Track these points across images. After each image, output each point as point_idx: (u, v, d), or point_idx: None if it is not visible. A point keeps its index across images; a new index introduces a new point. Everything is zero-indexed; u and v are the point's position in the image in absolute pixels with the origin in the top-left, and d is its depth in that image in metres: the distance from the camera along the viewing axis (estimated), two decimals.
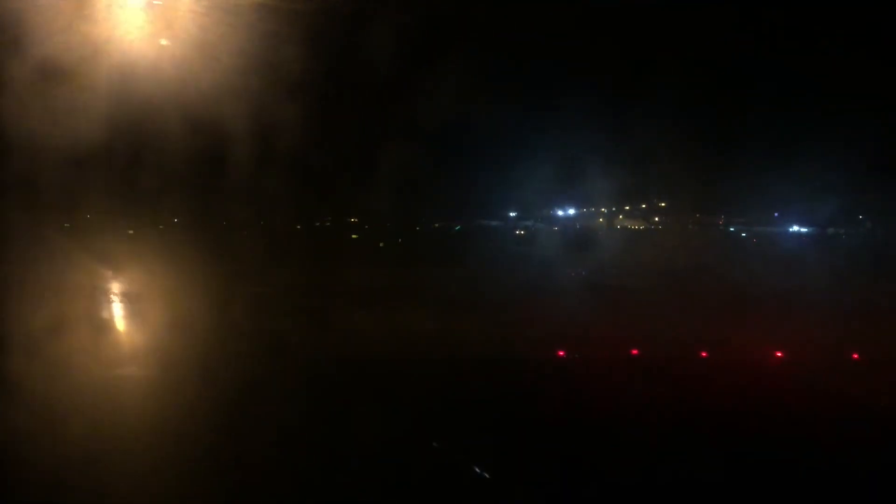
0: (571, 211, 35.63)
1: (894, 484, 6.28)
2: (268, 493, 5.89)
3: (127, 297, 15.10)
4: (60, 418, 6.99)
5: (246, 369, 9.14)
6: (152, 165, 16.54)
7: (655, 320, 13.34)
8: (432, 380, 8.94)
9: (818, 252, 29.03)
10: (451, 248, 32.88)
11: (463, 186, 35.03)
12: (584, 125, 23.42)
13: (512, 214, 37.84)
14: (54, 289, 14.02)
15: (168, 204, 24.46)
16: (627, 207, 36.36)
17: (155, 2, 8.86)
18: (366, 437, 6.62)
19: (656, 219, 35.57)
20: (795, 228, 34.33)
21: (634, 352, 10.70)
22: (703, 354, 10.65)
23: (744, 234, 36.09)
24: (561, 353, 10.73)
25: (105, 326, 12.53)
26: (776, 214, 34.77)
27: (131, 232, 27.47)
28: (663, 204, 34.87)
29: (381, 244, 33.86)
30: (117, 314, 13.78)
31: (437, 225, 39.99)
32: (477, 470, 6.29)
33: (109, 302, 14.81)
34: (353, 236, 36.93)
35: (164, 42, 9.29)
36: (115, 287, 16.41)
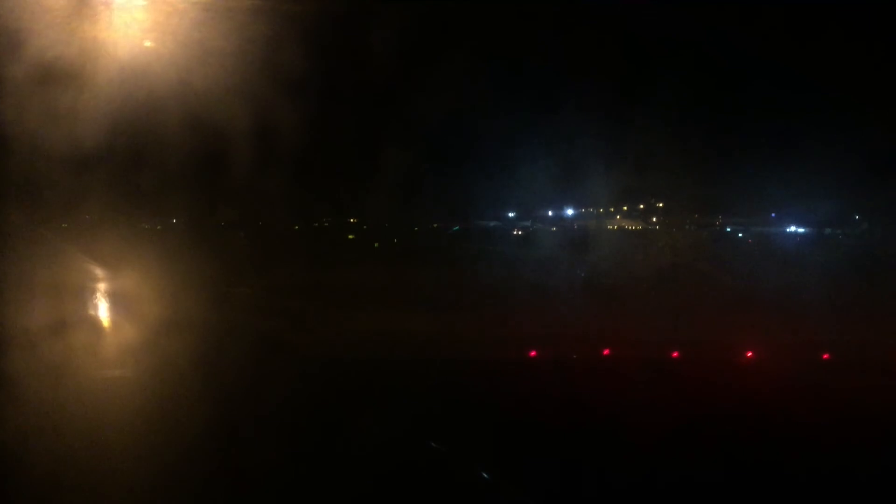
0: (570, 211, 35.65)
1: (890, 484, 6.30)
2: (266, 494, 5.86)
3: (124, 298, 15.05)
4: (55, 420, 6.93)
5: (241, 369, 9.11)
6: (152, 166, 16.54)
7: (655, 320, 13.34)
8: (430, 380, 8.91)
9: (815, 252, 29.20)
10: (449, 248, 32.97)
11: (461, 187, 35.33)
12: (583, 126, 23.46)
13: (510, 215, 37.90)
14: (50, 288, 13.96)
15: (166, 204, 24.49)
16: (625, 208, 36.41)
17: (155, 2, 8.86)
18: (363, 437, 6.59)
19: (654, 219, 35.60)
20: (792, 229, 34.45)
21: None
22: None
23: (740, 235, 36.21)
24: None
25: (100, 327, 12.48)
26: (773, 215, 34.88)
27: (130, 232, 27.42)
28: (661, 204, 34.91)
29: (375, 244, 33.91)
30: (115, 314, 13.74)
31: (435, 225, 40.03)
32: (476, 470, 6.29)
33: (106, 302, 14.76)
34: (350, 236, 37.01)
35: (148, 44, 9.29)
36: (112, 287, 16.35)
